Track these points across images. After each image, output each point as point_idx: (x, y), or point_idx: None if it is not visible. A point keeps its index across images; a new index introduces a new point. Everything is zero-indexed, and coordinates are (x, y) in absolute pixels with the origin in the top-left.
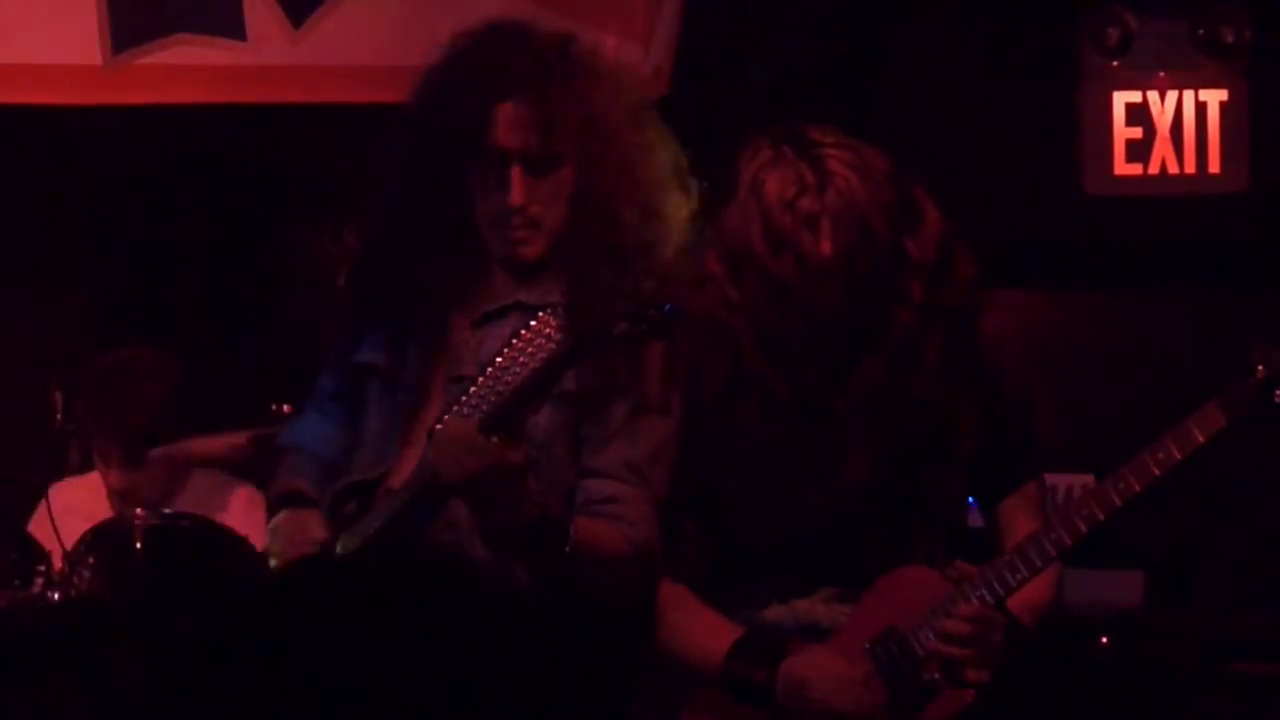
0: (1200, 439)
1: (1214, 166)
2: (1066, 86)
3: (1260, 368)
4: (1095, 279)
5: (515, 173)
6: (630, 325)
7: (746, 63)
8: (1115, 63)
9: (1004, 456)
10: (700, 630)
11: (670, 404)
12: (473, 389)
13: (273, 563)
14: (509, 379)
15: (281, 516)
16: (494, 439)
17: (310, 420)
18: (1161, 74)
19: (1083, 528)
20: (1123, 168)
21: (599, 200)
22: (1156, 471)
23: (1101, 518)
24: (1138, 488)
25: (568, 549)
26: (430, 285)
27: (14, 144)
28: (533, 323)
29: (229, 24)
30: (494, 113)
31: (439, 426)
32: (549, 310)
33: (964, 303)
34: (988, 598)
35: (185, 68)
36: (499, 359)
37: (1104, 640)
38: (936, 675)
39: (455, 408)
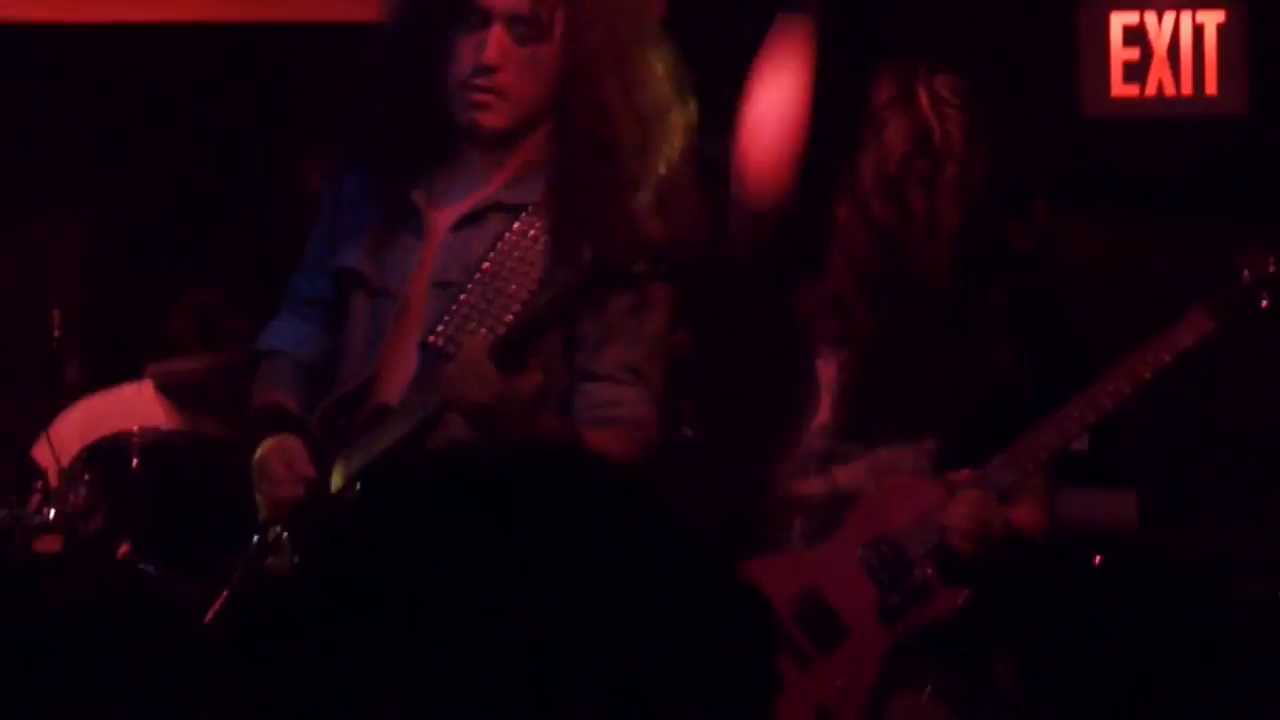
0: (1188, 342)
1: (1211, 88)
2: (1064, 7)
3: (1245, 272)
4: (1092, 200)
5: (495, 31)
6: (650, 266)
7: None
8: None
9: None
10: None
11: (659, 299)
12: (463, 297)
13: (260, 503)
14: (499, 285)
15: (264, 449)
16: (505, 369)
17: (286, 323)
18: None
19: (1074, 430)
20: (1120, 89)
21: (585, 83)
22: (1146, 375)
23: (1093, 420)
24: (1128, 390)
25: None
26: (406, 174)
27: (14, 62)
28: (515, 225)
29: None
30: None
31: (432, 339)
32: (530, 211)
33: (1052, 293)
34: (987, 492)
35: None
36: (485, 264)
37: (1097, 559)
38: (930, 573)
39: (447, 318)
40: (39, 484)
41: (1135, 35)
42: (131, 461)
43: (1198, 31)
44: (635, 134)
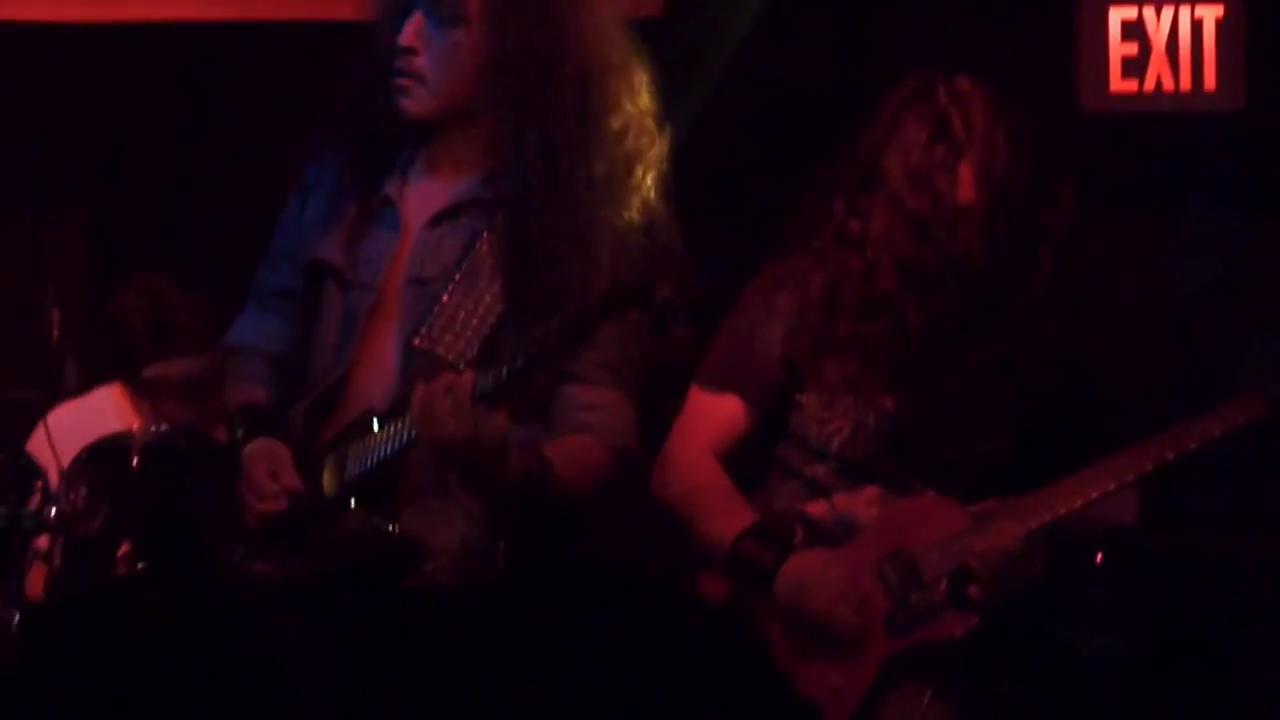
0: (1238, 421)
1: (1210, 84)
2: (1062, 3)
3: None
4: (1091, 196)
5: (415, 16)
6: (674, 293)
7: None
8: None
9: (1089, 436)
10: (722, 509)
11: None
12: (445, 298)
13: (247, 511)
14: (481, 286)
15: (250, 454)
16: (480, 405)
17: (254, 318)
18: None
19: (1112, 486)
20: (1118, 84)
21: (511, 70)
22: (1193, 445)
23: (1132, 479)
24: (1171, 456)
25: (553, 493)
26: (378, 165)
27: (9, 63)
28: (493, 225)
29: None
30: None
31: (417, 342)
32: (507, 208)
33: (1089, 281)
34: (1020, 533)
35: None
36: (466, 264)
37: (1099, 557)
38: (942, 594)
39: (430, 320)
40: (39, 484)
41: (1134, 30)
42: (131, 461)
43: (1196, 26)
44: (600, 146)
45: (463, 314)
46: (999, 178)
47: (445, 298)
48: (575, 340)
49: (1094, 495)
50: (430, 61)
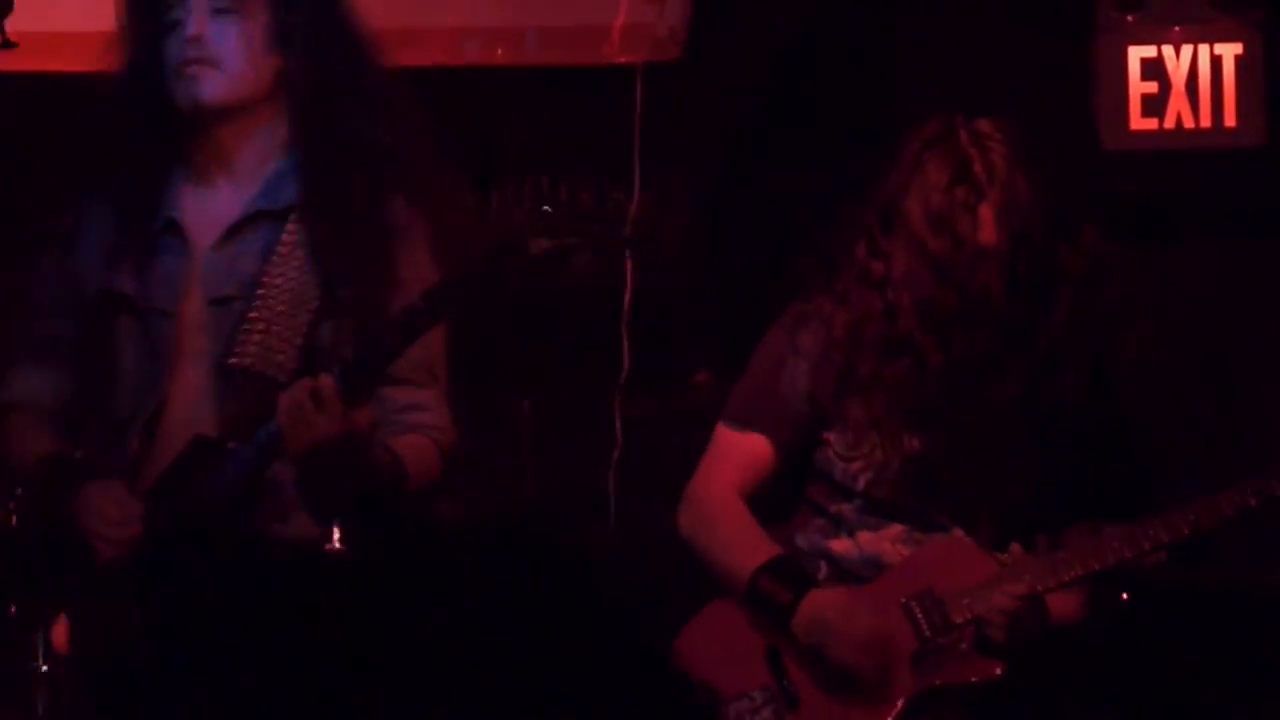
0: (1276, 491)
1: (1230, 120)
2: (1081, 42)
3: None
4: (1112, 233)
5: (195, 7)
6: (551, 241)
7: (761, 25)
8: (1130, 17)
9: (1116, 474)
10: (743, 545)
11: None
12: (252, 314)
13: (99, 549)
14: (289, 298)
15: (85, 497)
16: (349, 405)
17: (29, 371)
18: (1176, 28)
19: (1146, 546)
20: (1139, 122)
21: (305, 46)
22: (1228, 512)
23: (1166, 541)
24: (1207, 524)
25: (405, 489)
26: (154, 191)
27: (40, 111)
28: (284, 234)
29: None
30: None
31: (234, 361)
32: (296, 215)
33: (1111, 319)
34: (1037, 587)
35: None
36: (266, 278)
37: (1124, 596)
38: (969, 639)
39: (242, 337)
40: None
41: (1153, 68)
42: None
43: (1215, 64)
44: (378, 118)
45: (275, 327)
46: (1020, 219)
47: (253, 314)
48: (440, 318)
49: (1127, 554)
50: (218, 47)
